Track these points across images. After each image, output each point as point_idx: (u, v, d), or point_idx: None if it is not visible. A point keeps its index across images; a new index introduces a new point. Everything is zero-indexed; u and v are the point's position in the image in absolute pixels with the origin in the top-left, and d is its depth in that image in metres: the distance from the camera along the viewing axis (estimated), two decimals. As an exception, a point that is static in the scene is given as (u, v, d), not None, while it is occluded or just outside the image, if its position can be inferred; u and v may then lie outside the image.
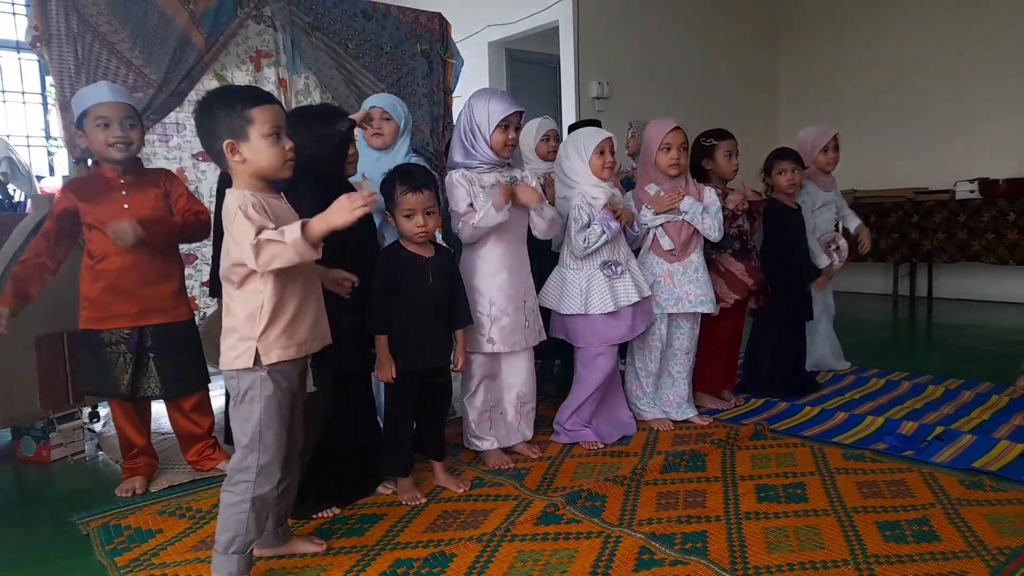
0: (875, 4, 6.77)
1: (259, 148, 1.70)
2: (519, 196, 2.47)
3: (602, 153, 2.69)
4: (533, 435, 2.73)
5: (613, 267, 2.70)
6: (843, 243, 3.57)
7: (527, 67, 6.89)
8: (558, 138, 3.47)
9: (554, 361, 3.79)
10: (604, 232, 2.61)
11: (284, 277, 1.70)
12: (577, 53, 5.77)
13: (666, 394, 3.01)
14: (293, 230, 1.59)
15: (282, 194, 1.84)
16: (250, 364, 1.69)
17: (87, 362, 2.46)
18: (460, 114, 2.59)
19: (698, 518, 2.09)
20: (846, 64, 7.00)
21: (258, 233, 1.60)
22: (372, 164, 2.70)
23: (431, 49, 4.08)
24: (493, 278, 2.53)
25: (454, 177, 2.51)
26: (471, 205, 2.47)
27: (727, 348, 3.21)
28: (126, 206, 2.40)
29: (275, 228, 1.62)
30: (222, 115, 1.71)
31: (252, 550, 1.77)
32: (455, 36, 4.25)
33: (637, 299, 2.71)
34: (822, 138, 3.53)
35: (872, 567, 1.79)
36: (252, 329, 1.69)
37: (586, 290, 2.67)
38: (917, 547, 1.88)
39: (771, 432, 2.85)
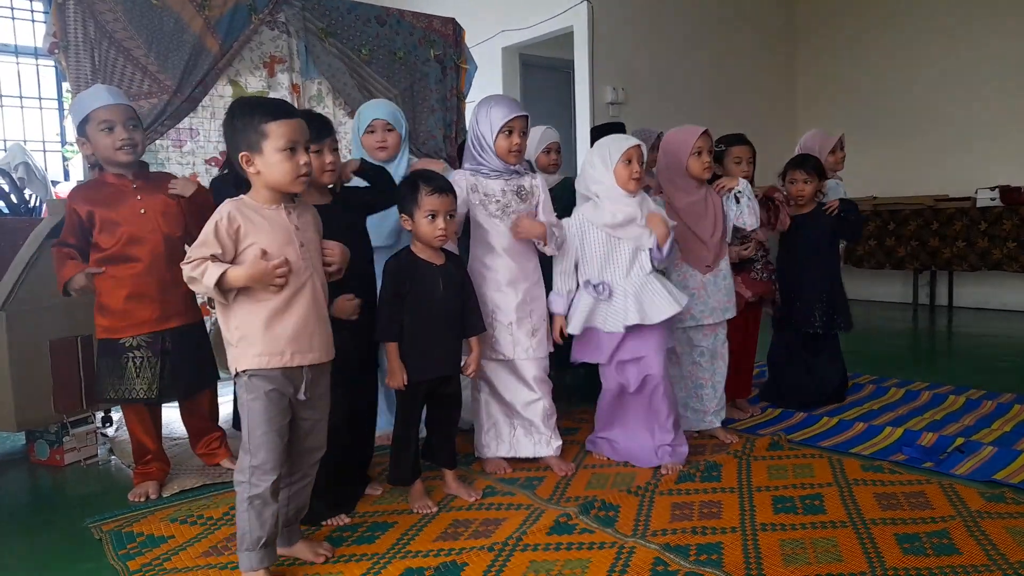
0: (894, 11, 6.71)
1: (272, 162, 1.74)
2: (521, 230, 2.46)
3: (629, 162, 2.48)
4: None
5: (600, 288, 2.53)
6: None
7: (541, 72, 6.89)
8: (560, 150, 3.33)
9: (571, 370, 3.73)
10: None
11: (252, 291, 1.75)
12: (592, 58, 5.75)
13: (704, 404, 2.91)
14: (212, 275, 1.67)
15: (302, 205, 1.88)
16: (237, 369, 1.77)
17: (108, 369, 2.43)
18: (469, 126, 2.61)
19: (713, 529, 2.06)
20: (865, 70, 6.94)
21: (201, 258, 1.70)
22: None
23: (444, 54, 4.09)
24: (499, 287, 2.51)
25: (455, 176, 2.48)
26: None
27: (740, 358, 3.15)
28: (142, 210, 2.40)
29: (234, 252, 1.74)
30: (240, 127, 1.76)
31: (271, 548, 1.81)
32: (469, 41, 4.25)
33: (619, 328, 2.50)
34: (829, 140, 3.44)
35: (892, 581, 1.75)
36: (232, 336, 1.77)
37: (574, 306, 2.58)
38: (937, 560, 1.84)
39: (788, 443, 2.81)
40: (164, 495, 2.45)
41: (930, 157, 6.51)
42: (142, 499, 2.42)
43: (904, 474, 2.45)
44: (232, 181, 2.24)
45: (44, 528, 2.28)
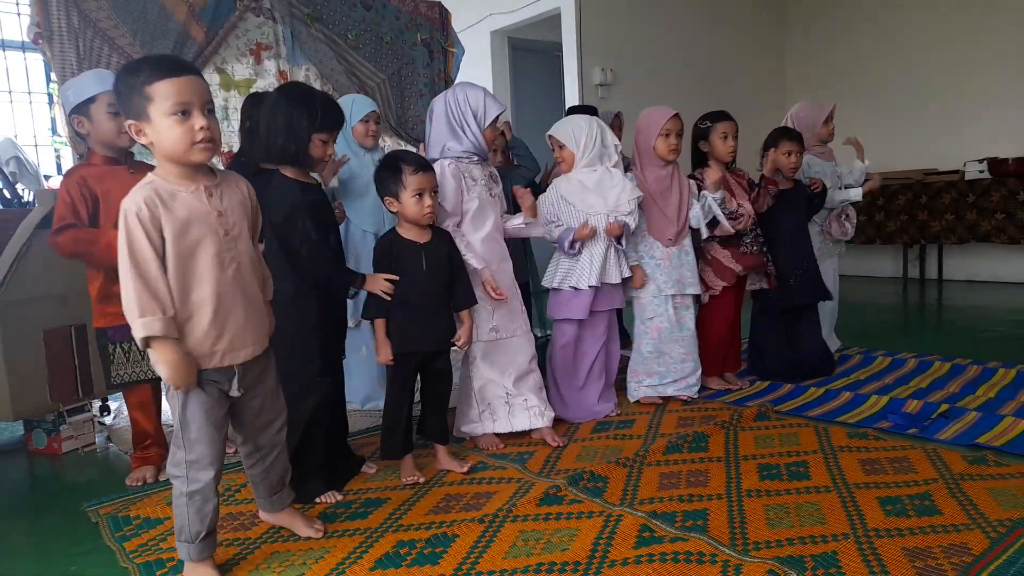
0: (881, -16, 6.72)
1: (161, 128, 1.50)
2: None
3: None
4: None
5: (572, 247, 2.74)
6: (851, 211, 3.56)
7: (530, 55, 6.87)
8: (511, 128, 3.54)
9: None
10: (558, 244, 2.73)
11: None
12: (580, 40, 5.75)
13: (672, 371, 3.03)
14: (137, 329, 1.49)
15: (229, 181, 1.68)
16: None
17: (124, 354, 2.44)
18: (445, 102, 2.54)
19: (700, 496, 2.10)
20: (854, 44, 6.95)
21: (137, 268, 1.49)
22: (363, 161, 2.88)
23: (431, 38, 4.10)
24: (489, 267, 2.54)
25: (447, 169, 2.49)
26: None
27: (729, 331, 3.21)
28: None
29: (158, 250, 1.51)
30: (124, 92, 1.52)
31: (211, 538, 1.74)
32: (457, 25, 4.26)
33: (588, 285, 2.72)
34: (823, 111, 3.50)
35: (872, 540, 1.79)
36: None
37: (556, 265, 2.80)
38: (918, 520, 1.88)
39: (775, 413, 2.85)
40: (161, 479, 2.47)
41: (918, 131, 6.54)
42: (139, 483, 2.44)
43: (888, 440, 2.49)
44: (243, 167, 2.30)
45: (42, 513, 2.31)
